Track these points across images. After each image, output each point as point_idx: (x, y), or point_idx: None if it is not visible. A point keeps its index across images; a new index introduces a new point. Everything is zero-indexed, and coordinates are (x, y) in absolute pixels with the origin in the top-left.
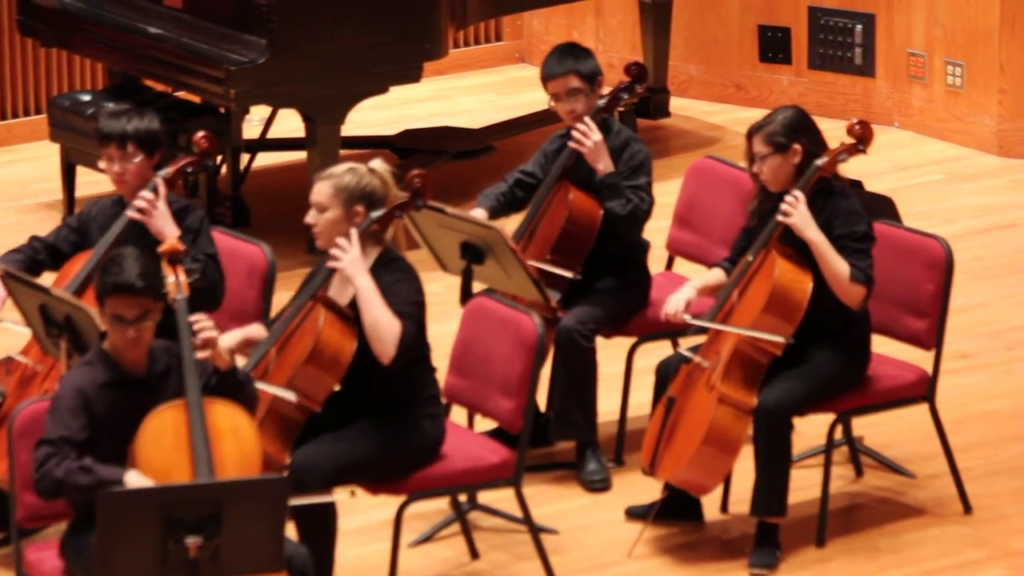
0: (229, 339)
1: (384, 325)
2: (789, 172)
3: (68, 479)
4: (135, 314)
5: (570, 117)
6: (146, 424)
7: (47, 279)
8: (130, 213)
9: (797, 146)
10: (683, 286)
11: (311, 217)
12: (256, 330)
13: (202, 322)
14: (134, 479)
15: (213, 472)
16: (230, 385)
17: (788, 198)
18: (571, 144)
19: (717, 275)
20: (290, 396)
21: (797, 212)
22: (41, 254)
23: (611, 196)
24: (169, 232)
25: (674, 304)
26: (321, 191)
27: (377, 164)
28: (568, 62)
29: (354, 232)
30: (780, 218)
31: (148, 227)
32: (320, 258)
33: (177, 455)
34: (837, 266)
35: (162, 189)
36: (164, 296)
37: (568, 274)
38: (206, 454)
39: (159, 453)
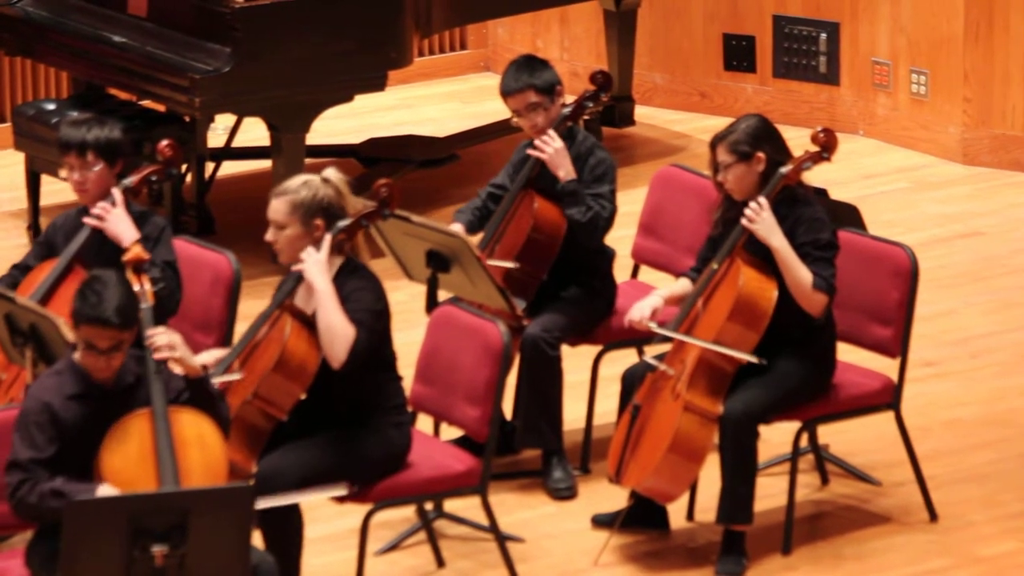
0: (206, 358)
1: (338, 330)
2: (754, 181)
3: (42, 504)
4: (107, 345)
5: (533, 131)
6: (111, 434)
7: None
8: (86, 220)
9: (761, 155)
10: (650, 294)
11: (271, 235)
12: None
13: (156, 335)
14: (105, 493)
15: (179, 481)
16: (201, 398)
17: (752, 204)
18: (531, 152)
19: (684, 285)
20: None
21: (761, 219)
22: (20, 278)
23: (572, 203)
24: (126, 235)
25: (639, 311)
26: (278, 209)
27: (331, 173)
28: (524, 77)
29: (327, 238)
30: (744, 223)
31: (105, 232)
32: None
33: (142, 465)
34: (800, 274)
35: (119, 197)
36: (137, 325)
37: (509, 264)
38: (171, 463)
39: (124, 463)
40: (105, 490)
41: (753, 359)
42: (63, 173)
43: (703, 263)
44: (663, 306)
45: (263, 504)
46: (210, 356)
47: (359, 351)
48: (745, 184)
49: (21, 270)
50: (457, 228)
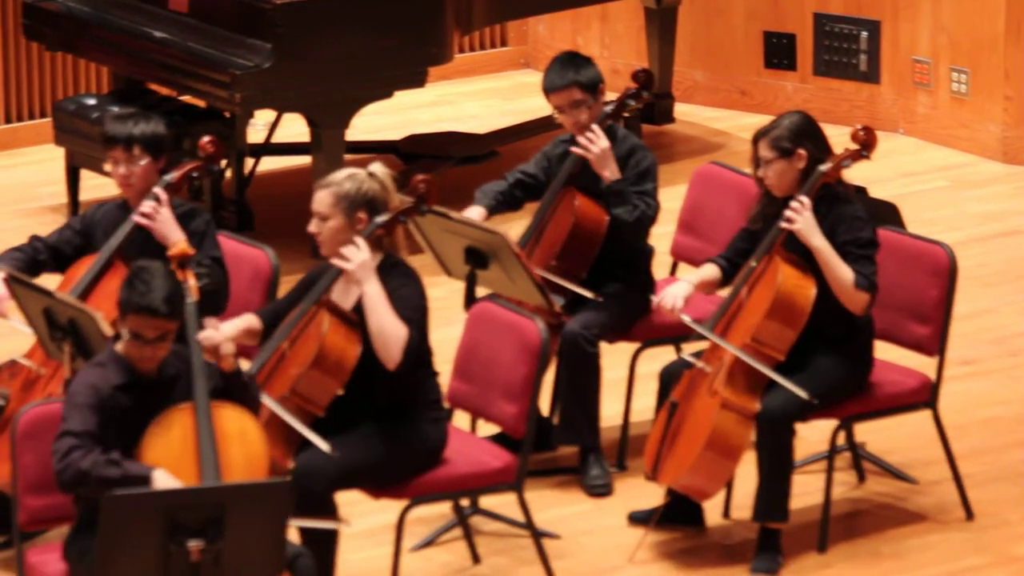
0: (228, 329)
1: (391, 331)
2: (794, 177)
3: (95, 471)
4: (154, 335)
5: (575, 128)
6: (154, 427)
7: (48, 280)
8: (136, 217)
9: (802, 151)
10: (680, 280)
11: (314, 226)
12: (250, 319)
13: (216, 342)
14: (161, 476)
15: (219, 476)
16: (235, 387)
17: (793, 204)
18: (576, 151)
19: (711, 270)
20: (321, 442)
21: (802, 218)
22: (43, 254)
23: (618, 203)
24: (174, 237)
25: (671, 298)
26: (322, 200)
27: (376, 168)
28: (568, 74)
29: (359, 239)
30: (784, 225)
31: (153, 232)
32: (323, 262)
33: (184, 459)
34: (841, 273)
35: (163, 196)
36: (183, 315)
37: (588, 294)
38: (213, 458)
39: (166, 456)
40: (161, 473)
41: (777, 378)
42: (107, 167)
43: (734, 252)
44: (694, 293)
45: (297, 523)
46: (240, 325)
47: (412, 350)
48: (785, 180)
49: (47, 247)
50: (478, 211)
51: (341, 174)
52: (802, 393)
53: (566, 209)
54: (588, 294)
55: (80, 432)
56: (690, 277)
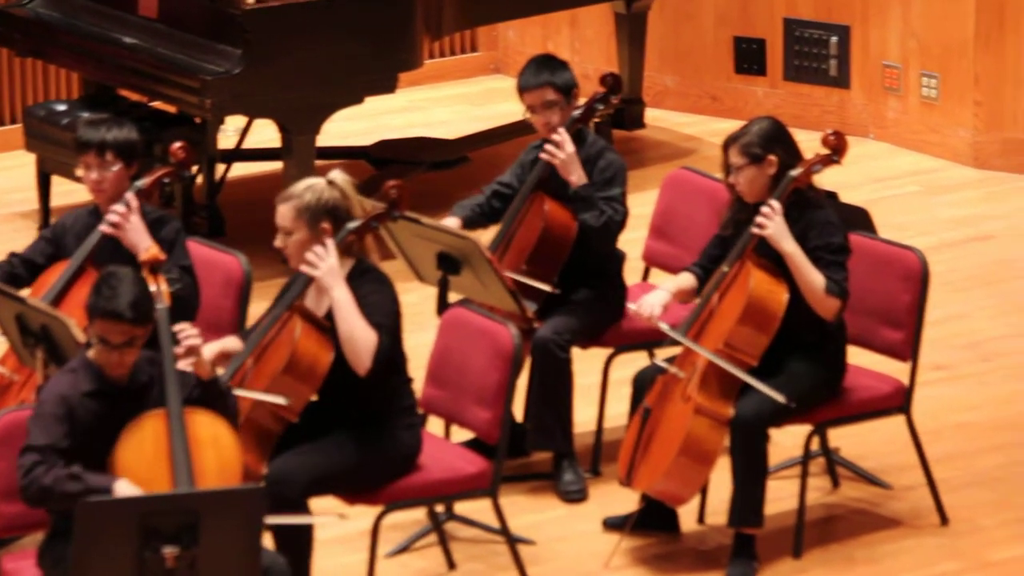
0: (207, 351)
1: (360, 336)
2: (764, 183)
3: (56, 487)
4: (121, 340)
5: (545, 129)
6: (126, 433)
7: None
8: (103, 228)
9: (772, 157)
10: (658, 289)
11: (279, 241)
12: (232, 342)
13: (187, 330)
14: (123, 487)
15: (193, 482)
16: (212, 395)
17: (764, 209)
18: (543, 156)
19: (688, 279)
20: (279, 400)
21: (773, 224)
22: (18, 268)
23: (584, 208)
24: (143, 245)
25: (649, 306)
26: (284, 214)
27: (336, 176)
28: (543, 74)
29: (330, 242)
30: (755, 230)
31: (121, 240)
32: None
33: (157, 465)
34: (812, 278)
35: (134, 203)
36: (152, 321)
37: (546, 287)
38: (186, 464)
39: (139, 462)
40: (123, 484)
41: (749, 380)
42: (79, 172)
43: (708, 259)
44: (672, 301)
45: (272, 520)
46: (217, 346)
47: (383, 355)
48: (756, 186)
49: (22, 260)
50: (453, 221)
51: (300, 186)
52: (779, 397)
53: (536, 214)
54: (545, 287)
55: (42, 447)
56: (667, 285)
